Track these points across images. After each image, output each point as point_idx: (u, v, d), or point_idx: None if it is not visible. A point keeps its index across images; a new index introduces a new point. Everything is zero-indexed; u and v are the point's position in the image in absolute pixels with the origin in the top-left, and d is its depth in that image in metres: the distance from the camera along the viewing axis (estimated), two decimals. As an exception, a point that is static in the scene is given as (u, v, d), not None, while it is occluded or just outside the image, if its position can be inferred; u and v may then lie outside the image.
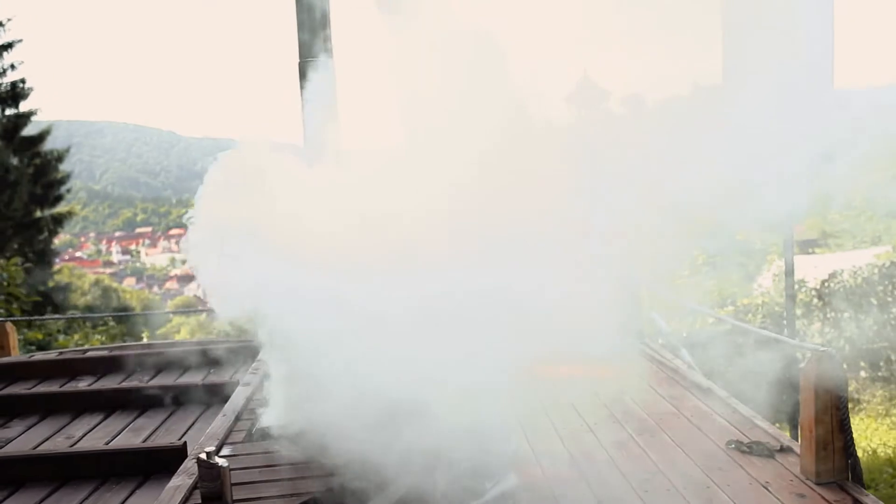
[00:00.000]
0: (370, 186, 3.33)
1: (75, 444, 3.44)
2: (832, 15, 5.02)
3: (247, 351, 4.71)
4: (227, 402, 3.67)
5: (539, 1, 4.37)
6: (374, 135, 4.14)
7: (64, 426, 3.66)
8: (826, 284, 11.63)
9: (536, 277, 3.55)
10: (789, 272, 5.62)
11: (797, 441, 4.82)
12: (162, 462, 3.05)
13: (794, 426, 5.74)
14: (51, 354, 4.89)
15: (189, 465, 2.92)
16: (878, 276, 10.89)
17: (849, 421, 3.83)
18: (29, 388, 4.24)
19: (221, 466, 2.53)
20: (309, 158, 3.54)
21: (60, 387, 4.29)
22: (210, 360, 4.76)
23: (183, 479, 2.80)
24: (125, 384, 4.27)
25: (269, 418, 3.38)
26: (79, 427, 3.64)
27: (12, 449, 3.35)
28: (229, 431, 3.31)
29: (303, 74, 3.96)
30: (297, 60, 3.98)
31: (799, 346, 5.03)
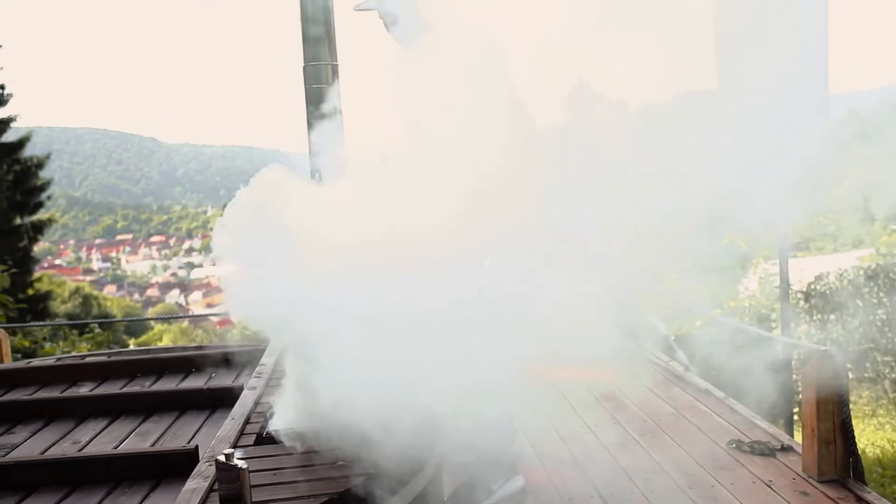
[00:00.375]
0: (379, 194, 3.36)
1: (83, 448, 3.42)
2: (826, 19, 5.08)
3: (246, 356, 4.71)
4: (235, 406, 3.66)
5: (534, 4, 4.39)
6: (377, 139, 4.16)
7: (69, 431, 3.64)
8: (812, 287, 11.76)
9: (535, 280, 3.58)
10: (784, 275, 5.69)
11: (792, 437, 4.89)
12: (173, 466, 3.04)
13: (787, 423, 5.81)
14: (49, 360, 4.85)
15: (203, 469, 2.92)
16: (864, 278, 11.03)
17: (850, 420, 3.89)
18: (30, 394, 4.21)
19: (241, 468, 2.53)
20: (319, 170, 3.60)
21: (62, 392, 4.26)
22: (210, 365, 4.74)
23: (198, 482, 2.80)
24: (127, 389, 4.24)
25: (279, 421, 3.39)
26: (84, 432, 3.62)
27: (20, 454, 3.32)
28: (240, 434, 3.31)
29: (308, 78, 3.97)
30: (302, 64, 3.99)
31: (801, 346, 5.09)
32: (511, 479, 4.07)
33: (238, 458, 2.59)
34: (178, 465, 3.05)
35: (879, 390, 11.02)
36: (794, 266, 14.80)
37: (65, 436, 3.61)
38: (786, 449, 4.40)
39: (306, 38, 3.91)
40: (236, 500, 2.56)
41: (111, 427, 3.69)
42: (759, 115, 4.00)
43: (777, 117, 4.10)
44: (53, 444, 3.49)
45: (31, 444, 3.49)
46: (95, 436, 3.59)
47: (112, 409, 3.87)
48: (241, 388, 4.01)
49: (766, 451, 4.37)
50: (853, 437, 3.93)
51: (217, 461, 2.60)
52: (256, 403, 3.74)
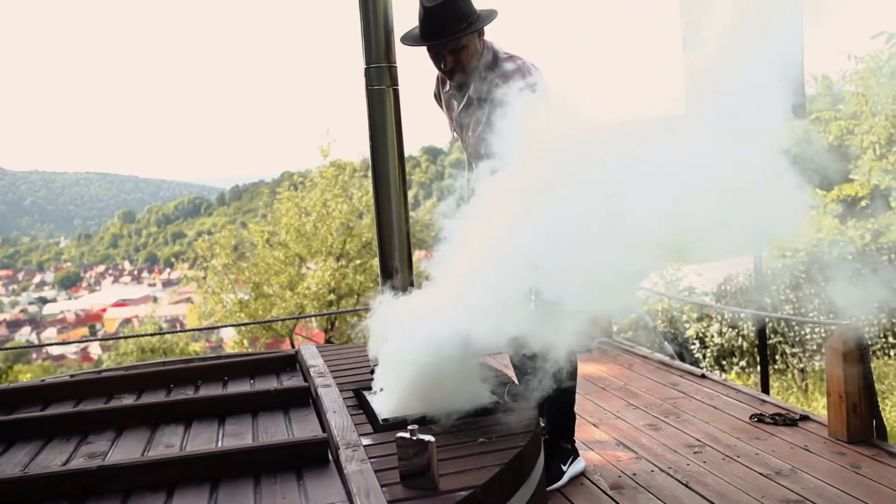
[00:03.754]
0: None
1: (183, 450, 3.36)
2: (801, 27, 5.47)
3: (274, 363, 4.71)
4: (325, 402, 3.68)
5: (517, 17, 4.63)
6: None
7: (151, 437, 3.54)
8: (722, 287, 12.62)
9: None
10: (759, 270, 6.20)
11: (768, 394, 5.32)
12: (308, 456, 3.07)
13: (763, 383, 6.29)
14: (63, 377, 4.65)
15: (349, 454, 2.97)
16: (771, 277, 11.93)
17: (873, 386, 4.32)
18: (73, 408, 4.05)
19: (429, 441, 2.62)
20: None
21: (105, 404, 4.12)
22: (243, 373, 4.70)
23: (357, 464, 2.85)
24: (173, 398, 4.16)
25: (387, 410, 3.49)
26: (168, 437, 3.53)
27: (121, 458, 3.24)
28: (353, 424, 3.36)
29: (369, 80, 4.05)
30: (364, 66, 4.07)
31: (822, 323, 5.55)
32: (575, 461, 4.28)
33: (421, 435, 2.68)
34: (313, 454, 3.07)
35: (789, 380, 11.94)
36: (690, 272, 15.71)
37: (150, 441, 3.52)
38: (804, 418, 4.82)
39: (367, 39, 4.00)
40: (421, 474, 2.65)
41: (193, 431, 3.62)
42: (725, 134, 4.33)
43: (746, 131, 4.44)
44: (146, 450, 3.41)
45: (123, 451, 3.38)
46: (183, 439, 3.52)
47: (181, 416, 3.80)
48: (305, 388, 4.05)
49: (788, 421, 4.77)
50: (877, 401, 4.38)
51: (400, 437, 2.70)
52: (343, 399, 3.79)
